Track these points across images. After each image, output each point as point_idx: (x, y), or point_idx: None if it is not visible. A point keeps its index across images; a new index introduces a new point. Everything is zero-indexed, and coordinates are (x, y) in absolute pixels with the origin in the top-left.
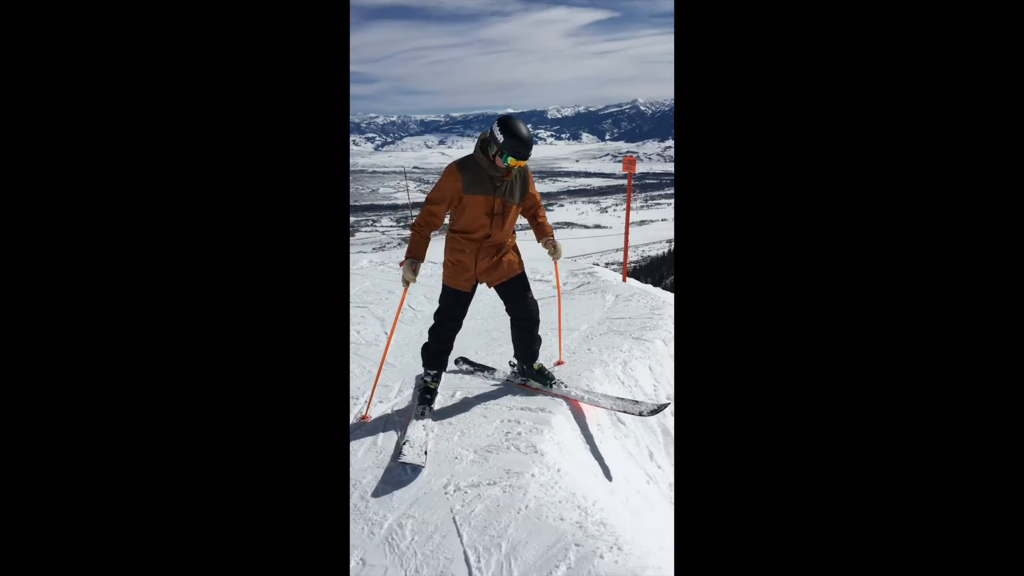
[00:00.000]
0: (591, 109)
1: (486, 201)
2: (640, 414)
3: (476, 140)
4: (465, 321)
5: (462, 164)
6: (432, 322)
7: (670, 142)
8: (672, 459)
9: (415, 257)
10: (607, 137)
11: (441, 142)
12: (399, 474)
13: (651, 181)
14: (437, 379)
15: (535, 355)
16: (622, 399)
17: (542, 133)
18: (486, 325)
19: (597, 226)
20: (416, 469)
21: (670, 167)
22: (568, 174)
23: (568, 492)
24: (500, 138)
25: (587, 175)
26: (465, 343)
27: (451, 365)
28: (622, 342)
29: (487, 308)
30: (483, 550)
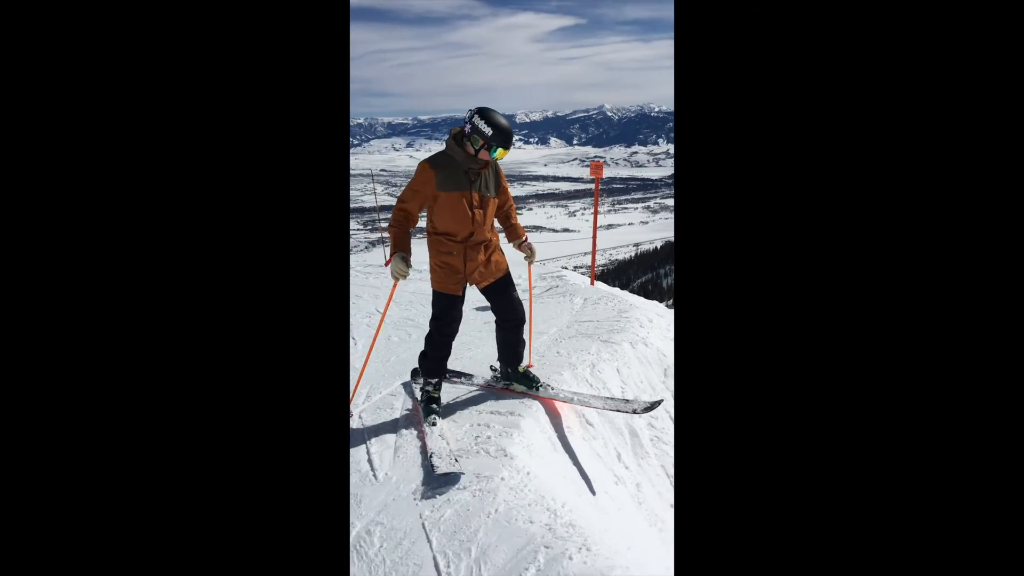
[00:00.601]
0: (559, 114)
1: (463, 197)
2: (634, 412)
3: (450, 133)
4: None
5: (434, 162)
6: (428, 330)
7: (636, 147)
8: (639, 460)
9: (402, 250)
10: (575, 142)
11: (409, 145)
12: (367, 481)
13: (618, 186)
14: (439, 387)
15: (520, 357)
16: (613, 399)
17: None
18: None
19: (566, 230)
20: (454, 476)
21: (636, 172)
22: (537, 178)
23: (537, 495)
24: (487, 131)
25: (555, 179)
26: None
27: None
28: (590, 345)
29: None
30: (453, 555)
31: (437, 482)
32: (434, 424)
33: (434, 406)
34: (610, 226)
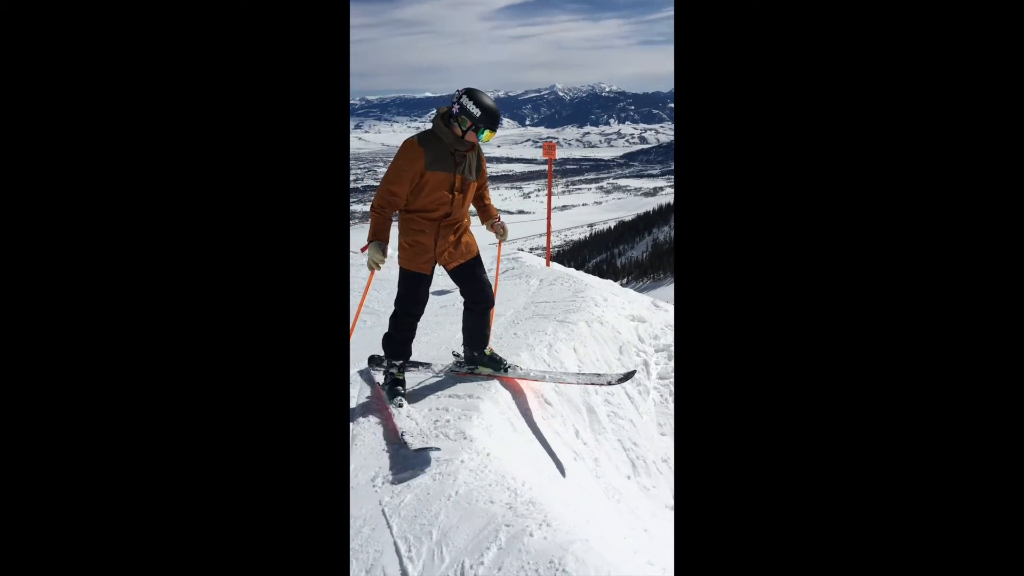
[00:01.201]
0: (511, 94)
1: (447, 178)
2: (609, 383)
3: (436, 113)
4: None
5: (424, 140)
6: (392, 311)
7: (588, 128)
8: (596, 436)
9: (381, 239)
10: (527, 123)
11: (357, 126)
12: None
13: (571, 167)
14: (403, 369)
15: (486, 340)
16: (584, 373)
17: None
18: None
19: (521, 211)
20: (414, 461)
21: (589, 152)
22: (490, 159)
23: (498, 475)
24: (475, 112)
25: (509, 160)
26: None
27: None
28: (547, 325)
29: None
30: (414, 539)
31: (396, 468)
32: (400, 406)
33: (399, 388)
34: (564, 207)
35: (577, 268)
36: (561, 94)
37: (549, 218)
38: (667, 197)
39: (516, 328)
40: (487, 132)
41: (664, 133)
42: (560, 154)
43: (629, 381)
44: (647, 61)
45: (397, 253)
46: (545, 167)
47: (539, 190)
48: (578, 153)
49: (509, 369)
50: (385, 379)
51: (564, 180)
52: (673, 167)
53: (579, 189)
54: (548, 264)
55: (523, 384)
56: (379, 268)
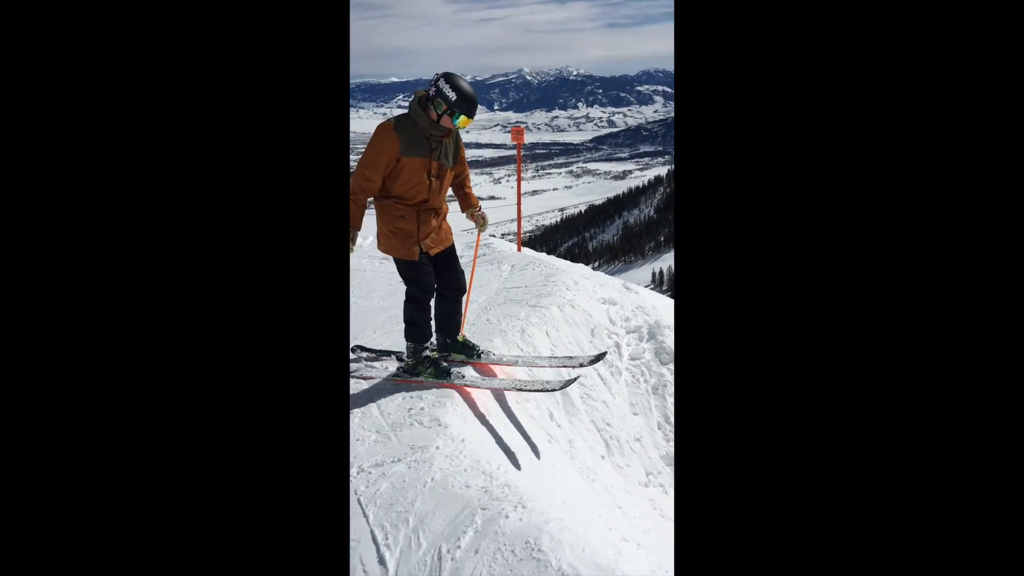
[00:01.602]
0: (478, 78)
1: (423, 164)
2: (581, 365)
3: (414, 96)
4: (361, 301)
5: (399, 124)
6: (406, 300)
7: (557, 112)
8: (570, 417)
9: (354, 227)
10: (495, 107)
11: None
12: None
13: (541, 151)
14: (434, 348)
15: (459, 326)
16: (556, 356)
17: None
18: (384, 303)
19: (491, 197)
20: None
21: (558, 137)
22: None
23: (473, 460)
24: (452, 96)
25: (478, 146)
26: (363, 323)
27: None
28: (519, 311)
29: (384, 286)
30: (391, 527)
31: (371, 457)
32: (462, 377)
33: (443, 364)
34: (535, 192)
35: (549, 253)
36: (529, 78)
37: (519, 203)
38: (636, 180)
39: (488, 314)
40: (463, 117)
41: (632, 116)
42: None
43: (601, 363)
44: (613, 44)
45: (377, 241)
46: (514, 152)
47: (509, 175)
48: (547, 137)
49: (482, 355)
50: (424, 365)
51: (534, 165)
52: (641, 150)
53: (549, 174)
54: (519, 249)
55: (497, 369)
56: (351, 252)
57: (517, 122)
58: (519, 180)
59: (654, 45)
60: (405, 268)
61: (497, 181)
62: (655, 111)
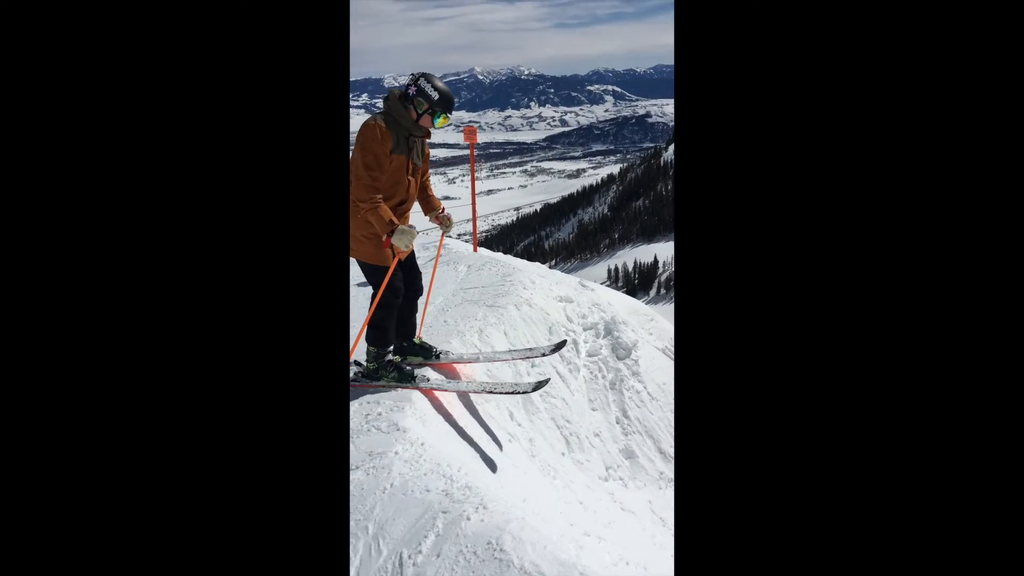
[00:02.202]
0: None
1: (404, 162)
2: (543, 355)
3: (388, 95)
4: None
5: (388, 122)
6: (374, 305)
7: (510, 111)
8: (530, 416)
9: (398, 225)
10: None
11: None
12: None
13: (495, 151)
14: (394, 353)
15: (415, 328)
16: (516, 349)
17: (380, 104)
18: None
19: (446, 197)
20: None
21: (512, 136)
22: None
23: (433, 463)
24: (433, 95)
25: (431, 145)
26: None
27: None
28: (476, 311)
29: None
30: (350, 535)
31: None
32: (427, 380)
33: (407, 368)
34: (490, 191)
35: (506, 252)
36: (481, 77)
37: (474, 203)
38: (590, 179)
39: (446, 315)
40: (443, 116)
41: (583, 116)
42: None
43: (559, 360)
44: (563, 44)
45: (354, 247)
46: (468, 152)
47: (463, 175)
48: (501, 137)
49: (440, 355)
50: (388, 370)
51: (488, 164)
52: (594, 149)
53: (504, 173)
54: (476, 249)
55: (458, 368)
56: (410, 248)
57: (470, 121)
58: (473, 180)
59: (602, 46)
60: (376, 273)
61: (452, 181)
62: (606, 110)
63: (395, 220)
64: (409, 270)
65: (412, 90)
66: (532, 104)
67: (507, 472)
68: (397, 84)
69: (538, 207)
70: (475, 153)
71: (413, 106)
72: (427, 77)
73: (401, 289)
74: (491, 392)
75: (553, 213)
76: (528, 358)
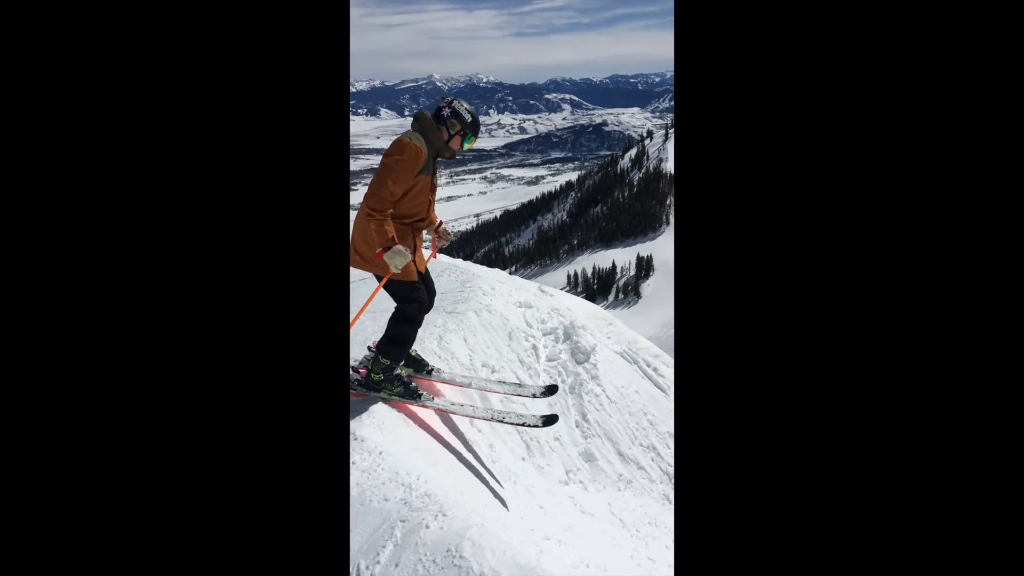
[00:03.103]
0: (387, 84)
1: (429, 182)
2: (534, 396)
3: (419, 115)
4: None
5: (425, 143)
6: (395, 316)
7: None
8: (491, 422)
9: (396, 244)
10: (406, 112)
11: None
12: None
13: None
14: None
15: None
16: (507, 383)
17: None
18: None
19: None
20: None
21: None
22: (370, 151)
23: (391, 472)
24: (467, 118)
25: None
26: None
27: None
28: (436, 317)
29: None
30: None
31: None
32: (432, 398)
33: (413, 385)
34: (450, 198)
35: (466, 258)
36: (439, 84)
37: (433, 209)
38: (548, 186)
39: None
40: (472, 138)
41: (542, 123)
42: None
43: (519, 366)
44: (521, 52)
45: (359, 259)
46: None
47: None
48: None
49: (432, 372)
50: (394, 384)
51: (448, 171)
52: (552, 156)
53: (463, 179)
54: (435, 256)
55: (422, 380)
56: (397, 271)
57: None
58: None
59: (559, 55)
60: (403, 289)
61: None
62: (563, 118)
63: (396, 238)
64: (428, 285)
65: (446, 112)
66: (491, 111)
67: (467, 479)
68: (355, 90)
69: (498, 213)
70: None
71: (446, 127)
72: (460, 100)
73: (427, 303)
74: (499, 421)
75: (513, 219)
76: (519, 395)
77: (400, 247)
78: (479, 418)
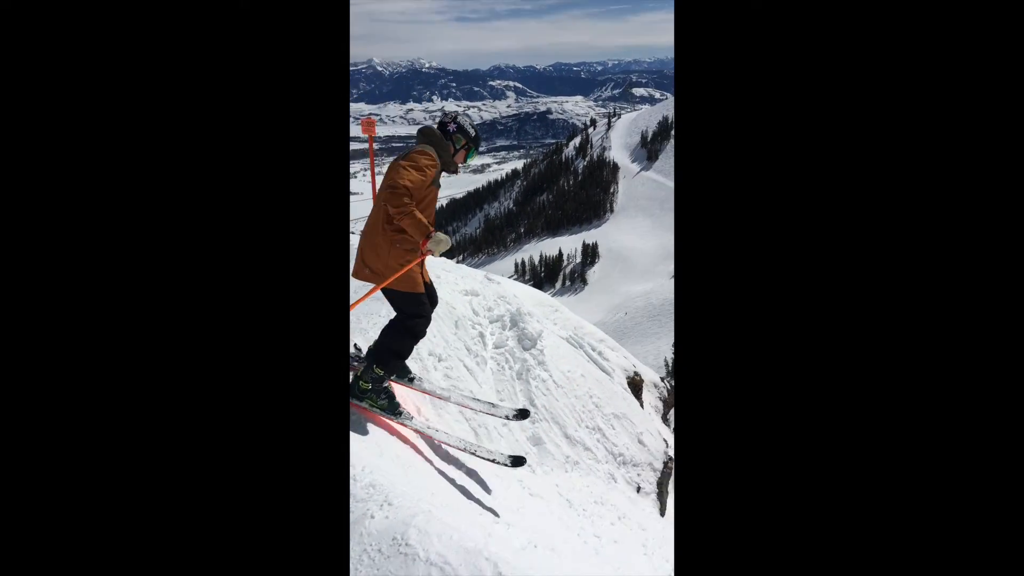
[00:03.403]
0: None
1: (435, 193)
2: (506, 418)
3: (426, 129)
4: None
5: (438, 155)
6: (399, 328)
7: (412, 104)
8: (438, 411)
9: (435, 230)
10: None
11: None
12: None
13: (397, 144)
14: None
15: None
16: (480, 401)
17: None
18: None
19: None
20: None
21: (415, 130)
22: None
23: None
24: (472, 132)
25: None
26: None
27: None
28: (381, 307)
29: None
30: None
31: None
32: (411, 418)
33: (396, 402)
34: None
35: None
36: (380, 69)
37: (375, 198)
38: (494, 174)
39: (352, 312)
40: (475, 153)
41: (486, 111)
42: (385, 131)
43: (466, 353)
44: (464, 38)
45: (366, 271)
46: (367, 145)
47: (364, 170)
48: (403, 130)
49: (414, 380)
50: (380, 396)
51: (391, 158)
52: (497, 144)
53: None
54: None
55: (402, 386)
56: (444, 249)
57: (370, 114)
58: (373, 174)
59: (502, 42)
60: (409, 301)
61: (353, 175)
62: (508, 106)
63: (433, 226)
64: (432, 294)
65: (452, 127)
66: (434, 98)
67: (414, 467)
68: None
69: (444, 202)
70: (376, 147)
71: (452, 141)
72: (464, 115)
73: (431, 315)
74: (471, 453)
75: (459, 208)
76: (492, 415)
77: (441, 234)
78: (452, 447)
